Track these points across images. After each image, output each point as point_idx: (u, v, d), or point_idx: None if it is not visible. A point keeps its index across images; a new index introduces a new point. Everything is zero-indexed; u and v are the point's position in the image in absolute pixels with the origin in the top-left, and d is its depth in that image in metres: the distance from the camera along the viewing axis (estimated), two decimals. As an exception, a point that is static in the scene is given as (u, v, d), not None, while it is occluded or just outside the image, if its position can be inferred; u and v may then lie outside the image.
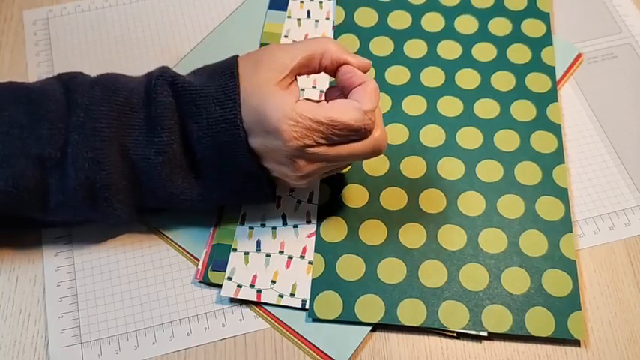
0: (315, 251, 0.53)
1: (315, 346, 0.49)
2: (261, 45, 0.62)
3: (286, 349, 0.50)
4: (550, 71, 0.60)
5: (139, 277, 0.52)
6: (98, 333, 0.50)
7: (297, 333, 0.50)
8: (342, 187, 0.55)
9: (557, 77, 0.61)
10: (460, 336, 0.50)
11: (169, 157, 0.48)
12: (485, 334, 0.49)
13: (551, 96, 0.59)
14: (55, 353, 0.49)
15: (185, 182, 0.49)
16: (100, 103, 0.48)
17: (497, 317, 0.49)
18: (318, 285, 0.51)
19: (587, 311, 0.51)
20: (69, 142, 0.47)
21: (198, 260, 0.53)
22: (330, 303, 0.50)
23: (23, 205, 0.48)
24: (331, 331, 0.50)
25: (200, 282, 0.52)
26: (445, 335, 0.50)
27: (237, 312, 0.51)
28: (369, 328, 0.50)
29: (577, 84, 0.61)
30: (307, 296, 0.51)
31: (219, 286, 0.51)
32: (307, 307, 0.50)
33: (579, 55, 0.63)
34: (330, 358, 0.49)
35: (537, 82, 0.60)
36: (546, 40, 0.62)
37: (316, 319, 0.50)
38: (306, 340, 0.50)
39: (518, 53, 0.61)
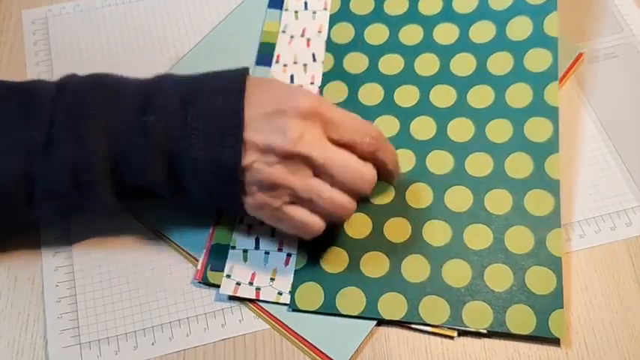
0: (298, 242, 0.52)
1: (315, 347, 0.49)
2: (261, 44, 0.62)
3: (286, 349, 0.50)
4: (552, 43, 0.57)
5: (138, 277, 0.52)
6: (97, 334, 0.50)
7: (297, 334, 0.50)
8: None
9: (558, 77, 0.60)
10: (460, 334, 0.50)
11: (153, 139, 0.47)
12: (484, 331, 0.49)
13: (551, 74, 0.56)
14: (53, 354, 0.49)
15: (163, 172, 0.48)
16: (92, 87, 0.48)
17: (477, 314, 0.49)
18: (300, 276, 0.51)
19: (588, 311, 0.51)
20: (54, 123, 0.47)
21: (198, 260, 0.52)
22: (312, 294, 0.50)
23: (9, 199, 0.47)
24: (331, 332, 0.49)
25: (199, 282, 0.52)
26: (445, 336, 0.50)
27: (236, 313, 0.51)
28: (370, 328, 0.50)
29: (578, 83, 0.61)
30: None
31: (219, 286, 0.51)
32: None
33: (580, 55, 0.62)
34: (330, 358, 0.49)
35: (537, 58, 0.57)
36: (550, 5, 0.58)
37: (296, 310, 0.50)
38: (306, 340, 0.49)
39: (519, 27, 0.58)
